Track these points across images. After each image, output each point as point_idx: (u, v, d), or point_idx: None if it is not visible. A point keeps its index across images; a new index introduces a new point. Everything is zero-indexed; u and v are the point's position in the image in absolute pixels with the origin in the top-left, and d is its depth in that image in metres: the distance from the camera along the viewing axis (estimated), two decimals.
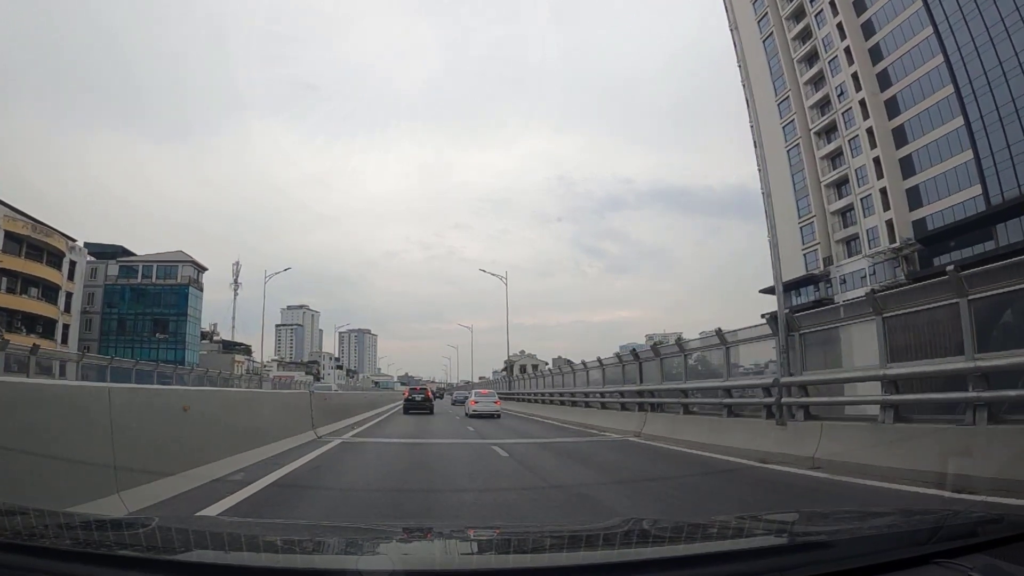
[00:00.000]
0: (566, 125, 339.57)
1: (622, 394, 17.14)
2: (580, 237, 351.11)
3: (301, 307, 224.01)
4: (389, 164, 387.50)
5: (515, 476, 8.75)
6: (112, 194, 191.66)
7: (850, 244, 56.43)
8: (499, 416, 26.26)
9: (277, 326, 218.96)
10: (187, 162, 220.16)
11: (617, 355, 17.43)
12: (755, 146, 66.43)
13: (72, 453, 4.63)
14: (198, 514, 5.00)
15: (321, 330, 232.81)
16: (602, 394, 18.64)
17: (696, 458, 10.70)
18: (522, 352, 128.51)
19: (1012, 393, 6.78)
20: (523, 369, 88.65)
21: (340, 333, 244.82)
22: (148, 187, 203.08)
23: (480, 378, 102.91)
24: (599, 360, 19.54)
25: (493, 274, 48.92)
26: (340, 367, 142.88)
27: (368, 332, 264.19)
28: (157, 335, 62.85)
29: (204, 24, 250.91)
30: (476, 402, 27.29)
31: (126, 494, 5.06)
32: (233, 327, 60.36)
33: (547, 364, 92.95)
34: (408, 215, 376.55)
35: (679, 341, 14.21)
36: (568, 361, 50.12)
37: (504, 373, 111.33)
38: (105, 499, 4.80)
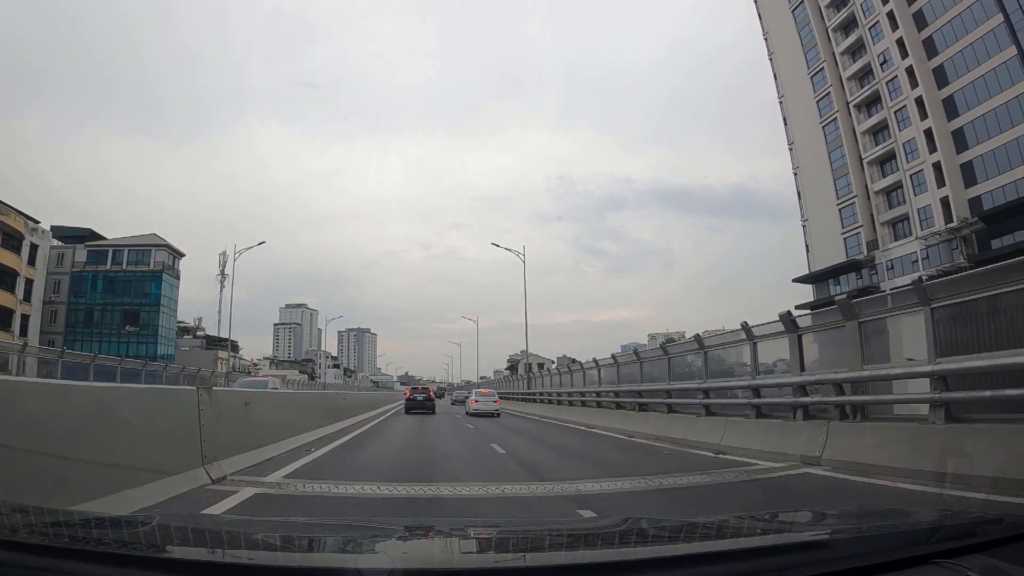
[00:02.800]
0: (566, 124, 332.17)
1: (756, 391, 9.94)
2: (580, 237, 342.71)
3: (299, 306, 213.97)
4: (389, 164, 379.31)
5: None
6: (109, 189, 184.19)
7: (896, 226, 49.43)
8: (498, 415, 25.28)
9: (275, 325, 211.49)
10: (186, 160, 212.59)
11: (744, 326, 10.20)
12: (784, 123, 59.78)
13: None
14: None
15: (320, 329, 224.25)
16: (706, 392, 11.38)
17: None
18: (523, 351, 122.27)
19: None
20: (528, 368, 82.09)
21: (340, 332, 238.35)
22: (143, 183, 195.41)
23: (482, 378, 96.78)
24: (697, 339, 12.36)
25: (508, 249, 41.56)
26: (337, 366, 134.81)
27: (368, 331, 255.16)
28: (127, 327, 54.93)
29: (204, 23, 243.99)
30: (476, 401, 26.84)
31: None
32: (219, 322, 53.19)
33: (552, 363, 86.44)
34: (408, 215, 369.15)
35: (921, 286, 7.15)
36: (574, 359, 43.87)
37: (507, 372, 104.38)
38: None
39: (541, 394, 29.33)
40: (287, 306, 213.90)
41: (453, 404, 45.35)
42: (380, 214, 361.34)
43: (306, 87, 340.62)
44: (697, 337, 12.93)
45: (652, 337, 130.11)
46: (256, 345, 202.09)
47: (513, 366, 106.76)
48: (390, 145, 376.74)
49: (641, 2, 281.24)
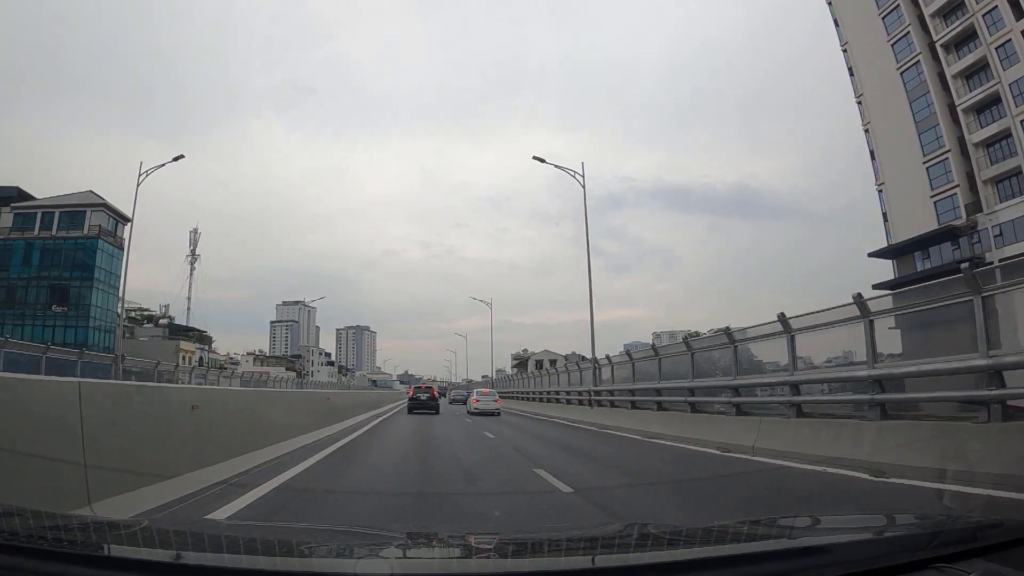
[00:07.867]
0: (566, 124, 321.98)
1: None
2: (580, 236, 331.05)
3: (297, 303, 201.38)
4: (389, 164, 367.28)
5: None
6: (109, 188, 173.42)
7: (1003, 184, 39.28)
8: (499, 414, 26.17)
9: (272, 322, 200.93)
10: (185, 161, 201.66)
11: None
12: (850, 74, 49.69)
13: None
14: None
15: (318, 327, 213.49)
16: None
17: None
18: (525, 350, 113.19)
19: None
20: (539, 365, 72.72)
21: (338, 330, 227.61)
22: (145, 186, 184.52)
23: (483, 377, 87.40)
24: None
25: (558, 166, 27.95)
26: (331, 363, 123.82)
27: (367, 329, 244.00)
28: (53, 307, 44.00)
29: (205, 27, 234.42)
30: (478, 400, 27.69)
31: None
32: (189, 308, 43.53)
33: (563, 361, 76.38)
34: (408, 215, 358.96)
35: None
36: (583, 357, 36.22)
37: (514, 370, 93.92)
38: None
39: (602, 393, 19.95)
40: (284, 303, 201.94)
41: (451, 404, 44.76)
42: (380, 213, 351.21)
43: (306, 91, 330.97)
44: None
45: (656, 336, 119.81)
46: (254, 343, 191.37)
47: (521, 363, 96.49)
48: (390, 145, 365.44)
49: (641, 0, 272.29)
